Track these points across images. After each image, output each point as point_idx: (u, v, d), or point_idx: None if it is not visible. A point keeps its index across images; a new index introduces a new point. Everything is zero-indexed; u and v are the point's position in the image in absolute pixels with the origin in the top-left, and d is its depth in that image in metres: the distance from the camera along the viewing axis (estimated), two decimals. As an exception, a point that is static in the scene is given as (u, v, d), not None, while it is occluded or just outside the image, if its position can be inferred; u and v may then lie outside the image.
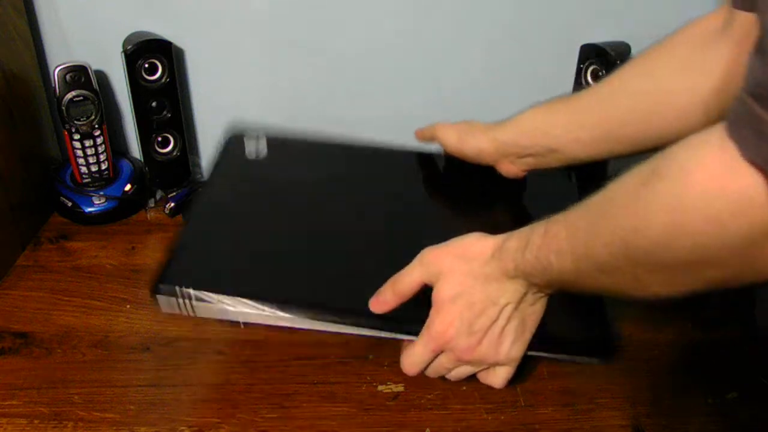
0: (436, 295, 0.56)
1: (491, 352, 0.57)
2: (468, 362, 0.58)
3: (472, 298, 0.55)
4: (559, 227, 0.50)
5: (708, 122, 0.40)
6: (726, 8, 0.57)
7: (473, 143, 0.72)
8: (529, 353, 0.58)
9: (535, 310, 0.57)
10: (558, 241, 0.49)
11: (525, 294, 0.55)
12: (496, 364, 0.58)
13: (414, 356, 0.58)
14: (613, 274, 0.47)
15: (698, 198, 0.40)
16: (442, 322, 0.56)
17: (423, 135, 0.78)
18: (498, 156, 0.72)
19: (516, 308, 0.56)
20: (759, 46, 0.37)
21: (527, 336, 0.58)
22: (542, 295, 0.56)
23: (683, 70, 0.61)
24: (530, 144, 0.70)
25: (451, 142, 0.74)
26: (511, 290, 0.55)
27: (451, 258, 0.56)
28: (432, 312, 0.57)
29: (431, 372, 0.59)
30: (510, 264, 0.53)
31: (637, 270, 0.45)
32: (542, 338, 0.58)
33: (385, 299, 0.58)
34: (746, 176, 0.37)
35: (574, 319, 0.63)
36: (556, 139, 0.68)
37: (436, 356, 0.58)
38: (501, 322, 0.56)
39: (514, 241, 0.54)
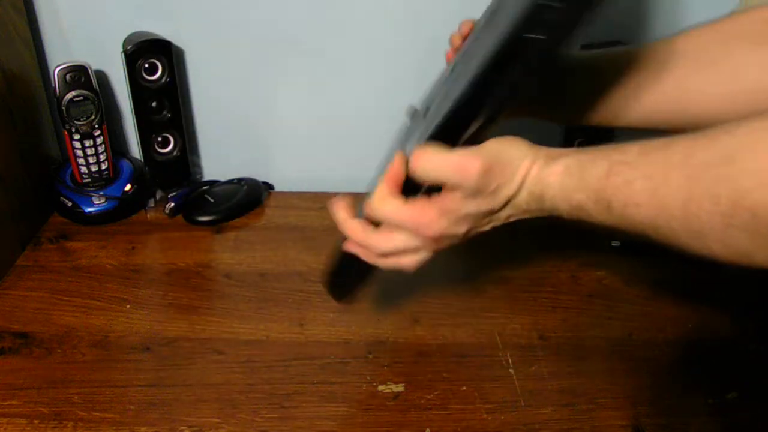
0: (448, 201, 0.50)
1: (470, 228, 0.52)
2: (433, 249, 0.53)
3: (479, 219, 0.50)
4: (632, 173, 0.43)
5: None
6: None
7: None
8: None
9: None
10: (632, 190, 0.42)
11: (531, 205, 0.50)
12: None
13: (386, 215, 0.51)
14: (712, 241, 0.40)
15: None
16: (437, 226, 0.50)
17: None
18: None
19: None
20: None
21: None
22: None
23: (757, 44, 0.54)
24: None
25: None
26: (521, 212, 0.50)
27: (488, 172, 0.48)
28: (432, 206, 0.50)
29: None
30: (547, 203, 0.48)
31: (758, 243, 0.38)
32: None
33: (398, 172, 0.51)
34: None
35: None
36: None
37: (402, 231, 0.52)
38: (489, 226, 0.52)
39: (557, 174, 0.47)
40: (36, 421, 0.61)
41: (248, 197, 0.91)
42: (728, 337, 0.71)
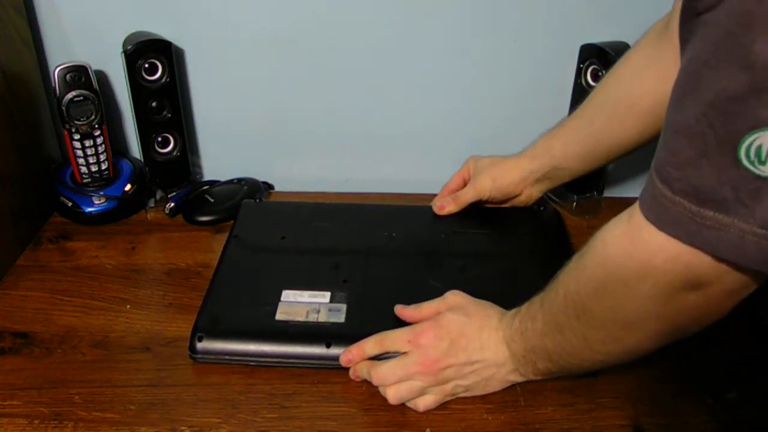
0: (441, 317, 0.63)
1: (449, 380, 0.61)
2: (422, 373, 0.61)
3: (465, 340, 0.62)
4: (536, 298, 0.59)
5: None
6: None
7: (508, 177, 0.81)
8: None
9: (497, 383, 0.63)
10: (534, 308, 0.59)
11: (503, 363, 0.61)
12: (437, 386, 0.62)
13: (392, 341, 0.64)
14: (566, 333, 0.55)
15: (613, 265, 0.49)
16: (429, 333, 0.62)
17: (459, 204, 0.82)
18: (523, 183, 0.81)
19: (487, 366, 0.61)
20: (663, 130, 0.43)
21: (470, 392, 0.63)
22: (511, 378, 0.63)
23: (641, 74, 0.69)
24: (541, 167, 0.79)
25: (487, 187, 0.81)
26: (494, 349, 0.62)
27: (469, 302, 0.65)
28: (426, 321, 0.64)
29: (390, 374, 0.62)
30: (504, 331, 0.62)
31: (582, 326, 0.54)
32: None
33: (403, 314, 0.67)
34: (648, 244, 0.45)
35: None
36: (557, 158, 0.78)
37: (403, 352, 0.62)
38: (473, 366, 0.61)
39: (512, 311, 0.62)
40: (36, 421, 0.61)
41: (248, 197, 0.91)
42: (728, 337, 0.71)
